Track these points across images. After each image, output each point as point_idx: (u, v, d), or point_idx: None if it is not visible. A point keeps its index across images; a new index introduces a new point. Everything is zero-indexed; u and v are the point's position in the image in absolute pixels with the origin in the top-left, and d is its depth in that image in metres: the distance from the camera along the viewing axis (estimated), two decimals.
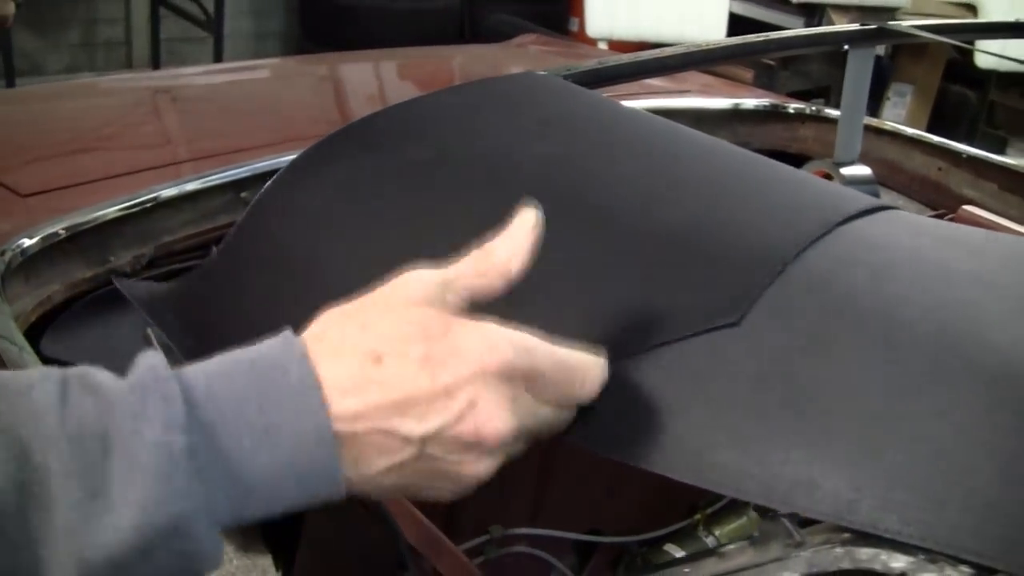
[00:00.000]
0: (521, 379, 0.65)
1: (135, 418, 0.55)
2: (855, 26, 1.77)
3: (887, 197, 2.07)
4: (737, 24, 4.79)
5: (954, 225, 1.07)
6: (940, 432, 0.70)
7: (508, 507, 1.36)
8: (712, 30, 4.75)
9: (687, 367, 0.76)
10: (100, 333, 1.40)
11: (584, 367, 0.70)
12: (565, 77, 1.32)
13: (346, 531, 1.01)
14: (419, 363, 0.61)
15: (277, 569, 1.13)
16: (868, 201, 0.95)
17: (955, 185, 2.06)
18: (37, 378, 0.57)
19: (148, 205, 1.42)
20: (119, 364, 1.41)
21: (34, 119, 2.10)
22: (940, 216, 1.78)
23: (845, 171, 1.75)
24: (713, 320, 0.77)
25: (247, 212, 1.01)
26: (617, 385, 0.75)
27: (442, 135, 1.04)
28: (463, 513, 1.33)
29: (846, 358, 0.76)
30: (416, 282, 0.65)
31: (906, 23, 1.77)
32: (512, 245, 0.69)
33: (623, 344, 0.78)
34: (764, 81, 4.75)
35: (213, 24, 5.29)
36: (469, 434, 0.62)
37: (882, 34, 1.75)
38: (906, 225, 0.94)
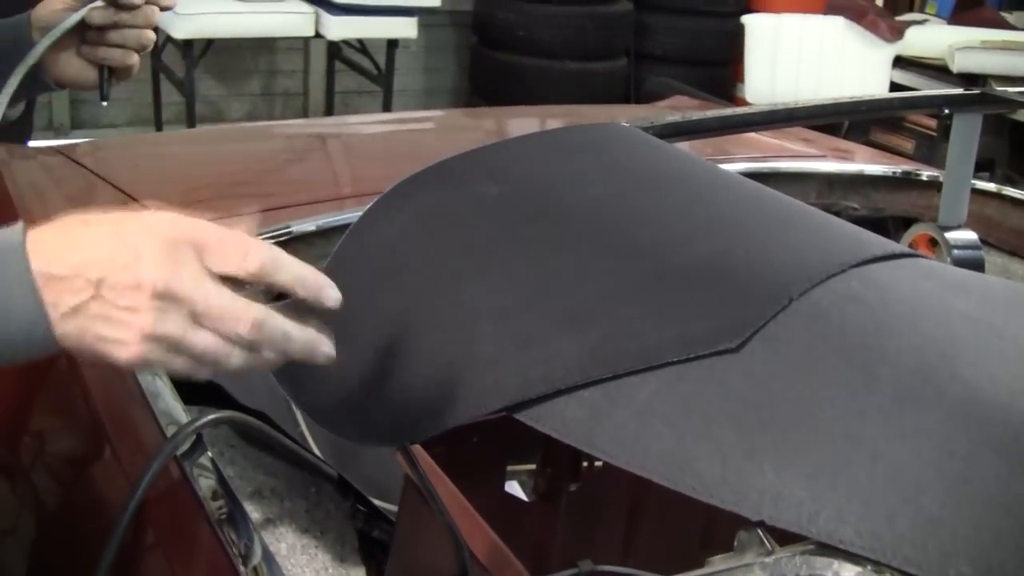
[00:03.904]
0: (190, 245, 0.75)
1: None
2: (956, 90, 1.77)
3: (1020, 268, 2.04)
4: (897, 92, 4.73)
5: (982, 276, 1.10)
6: (898, 453, 0.75)
7: (598, 543, 1.40)
8: None
9: (685, 385, 0.83)
10: None
11: (246, 243, 0.78)
12: (646, 129, 1.40)
13: (427, 547, 1.07)
14: (110, 225, 0.75)
15: None
16: (891, 247, 1.01)
17: None
18: None
19: (282, 238, 1.52)
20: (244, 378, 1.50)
21: (201, 157, 2.25)
22: None
23: (950, 235, 1.74)
24: (715, 345, 0.85)
25: (341, 241, 1.11)
26: (620, 396, 0.82)
27: (513, 174, 1.13)
28: (552, 544, 1.38)
29: (826, 384, 0.82)
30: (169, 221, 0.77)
31: (1015, 89, 1.75)
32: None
33: (632, 360, 0.85)
34: (924, 152, 4.68)
35: (384, 78, 5.52)
36: (130, 281, 0.73)
37: (984, 99, 1.74)
38: (920, 271, 0.98)
